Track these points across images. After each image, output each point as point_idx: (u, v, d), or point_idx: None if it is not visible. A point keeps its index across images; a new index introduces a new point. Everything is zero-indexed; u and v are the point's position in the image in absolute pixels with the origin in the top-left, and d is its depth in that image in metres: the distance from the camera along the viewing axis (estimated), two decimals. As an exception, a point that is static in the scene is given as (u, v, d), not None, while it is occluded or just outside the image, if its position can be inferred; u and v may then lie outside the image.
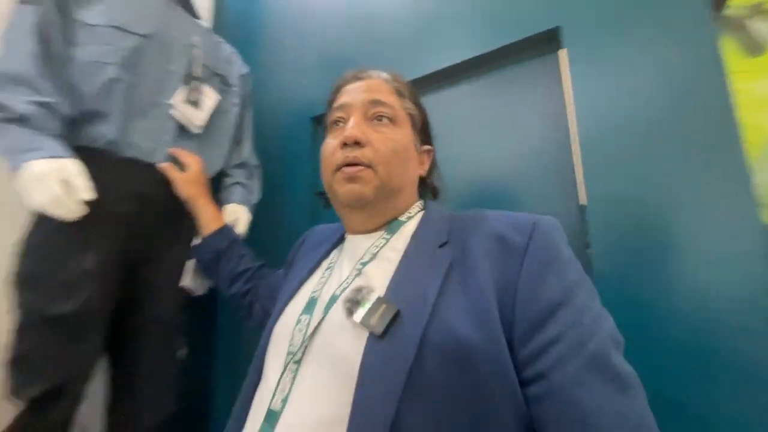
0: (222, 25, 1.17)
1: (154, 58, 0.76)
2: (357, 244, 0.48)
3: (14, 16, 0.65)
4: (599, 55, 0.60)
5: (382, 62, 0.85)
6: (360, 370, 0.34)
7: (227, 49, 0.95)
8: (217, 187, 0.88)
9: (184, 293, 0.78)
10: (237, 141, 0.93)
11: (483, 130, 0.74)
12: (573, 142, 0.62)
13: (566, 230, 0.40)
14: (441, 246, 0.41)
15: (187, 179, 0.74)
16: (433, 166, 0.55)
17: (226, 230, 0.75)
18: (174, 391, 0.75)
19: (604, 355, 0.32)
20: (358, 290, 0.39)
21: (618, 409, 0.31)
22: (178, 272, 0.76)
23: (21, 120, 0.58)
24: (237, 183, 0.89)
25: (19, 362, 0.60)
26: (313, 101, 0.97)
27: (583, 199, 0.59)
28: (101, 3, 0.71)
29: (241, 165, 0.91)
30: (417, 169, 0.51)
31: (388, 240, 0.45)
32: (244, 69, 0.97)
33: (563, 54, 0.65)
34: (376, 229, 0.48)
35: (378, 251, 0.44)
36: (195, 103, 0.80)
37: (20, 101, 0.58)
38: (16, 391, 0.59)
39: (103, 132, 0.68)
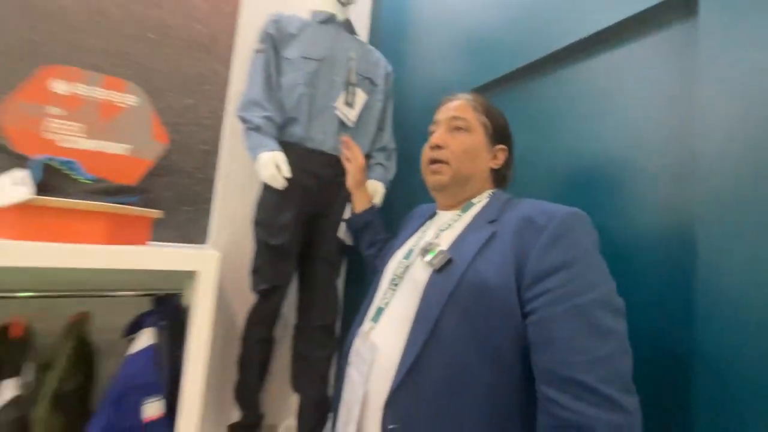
0: (376, 34, 1.43)
1: (326, 74, 1.06)
2: (441, 217, 0.69)
3: (252, 60, 1.05)
4: (747, 21, 0.50)
5: (501, 52, 0.93)
6: (424, 290, 0.56)
7: (376, 54, 1.20)
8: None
9: (341, 242, 1.11)
10: (380, 128, 1.18)
11: (596, 114, 0.74)
12: (696, 135, 0.54)
13: (675, 247, 0.48)
14: (490, 222, 0.58)
15: (356, 169, 1.02)
16: (508, 161, 0.70)
17: (373, 209, 1.01)
18: (334, 305, 1.11)
19: (588, 309, 0.44)
20: (429, 244, 0.62)
21: (584, 344, 0.41)
22: (337, 227, 1.09)
23: (257, 128, 0.97)
24: (378, 163, 1.15)
25: (255, 272, 1.04)
26: (443, 92, 1.12)
27: (698, 211, 0.51)
28: (295, 41, 1.05)
29: (382, 149, 1.17)
30: (488, 163, 0.68)
31: (461, 216, 0.65)
32: (388, 68, 1.20)
33: (699, 22, 0.57)
34: (455, 207, 0.68)
35: (452, 223, 0.64)
36: (350, 104, 1.08)
37: (256, 117, 0.97)
38: (254, 287, 1.04)
39: (295, 132, 1.03)
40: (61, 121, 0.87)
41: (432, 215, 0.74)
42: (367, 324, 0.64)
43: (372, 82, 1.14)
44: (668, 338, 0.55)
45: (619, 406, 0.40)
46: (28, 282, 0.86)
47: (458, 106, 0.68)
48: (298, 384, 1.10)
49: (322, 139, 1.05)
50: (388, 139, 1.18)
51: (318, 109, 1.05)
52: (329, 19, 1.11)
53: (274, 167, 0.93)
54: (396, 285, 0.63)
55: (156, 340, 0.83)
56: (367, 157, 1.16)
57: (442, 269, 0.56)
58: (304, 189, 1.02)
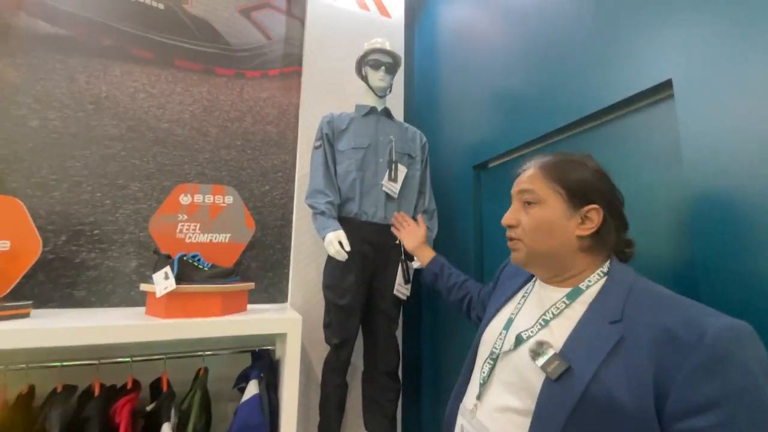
0: (410, 112, 1.67)
1: (371, 158, 1.29)
2: (544, 293, 0.63)
3: (313, 155, 1.31)
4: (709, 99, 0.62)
5: (525, 122, 1.09)
6: (539, 396, 0.50)
7: (411, 130, 1.41)
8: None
9: (396, 297, 1.28)
10: (421, 192, 1.37)
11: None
12: (685, 183, 0.66)
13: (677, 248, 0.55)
14: (612, 323, 0.49)
15: (408, 234, 1.19)
16: (608, 222, 0.58)
17: (437, 259, 1.10)
18: (396, 352, 1.27)
19: None
20: (541, 344, 0.54)
21: None
22: (392, 284, 1.27)
23: (322, 213, 1.21)
24: (422, 225, 1.33)
25: (327, 326, 1.25)
26: (474, 153, 1.29)
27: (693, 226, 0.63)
28: (346, 135, 1.31)
29: (425, 211, 1.35)
30: (573, 232, 0.58)
31: (568, 305, 0.57)
32: (423, 139, 1.41)
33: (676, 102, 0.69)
34: (555, 282, 0.61)
35: (562, 310, 0.57)
36: (394, 179, 1.29)
37: (320, 203, 1.22)
38: (327, 341, 1.24)
39: (351, 208, 1.25)
40: (186, 224, 1.19)
41: (530, 278, 0.71)
42: (470, 401, 0.63)
43: (410, 156, 1.35)
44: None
45: None
46: (168, 346, 1.15)
47: (528, 178, 0.64)
48: (370, 425, 1.26)
49: (373, 212, 1.26)
50: (428, 201, 1.36)
51: (367, 187, 1.27)
52: (371, 111, 1.35)
53: (337, 244, 1.15)
54: (494, 361, 0.61)
55: (258, 390, 1.06)
56: (413, 218, 1.35)
57: (559, 378, 0.49)
58: (361, 255, 1.23)
